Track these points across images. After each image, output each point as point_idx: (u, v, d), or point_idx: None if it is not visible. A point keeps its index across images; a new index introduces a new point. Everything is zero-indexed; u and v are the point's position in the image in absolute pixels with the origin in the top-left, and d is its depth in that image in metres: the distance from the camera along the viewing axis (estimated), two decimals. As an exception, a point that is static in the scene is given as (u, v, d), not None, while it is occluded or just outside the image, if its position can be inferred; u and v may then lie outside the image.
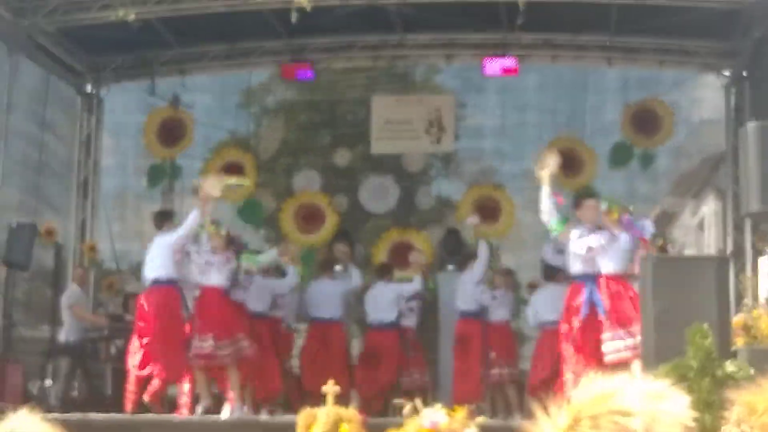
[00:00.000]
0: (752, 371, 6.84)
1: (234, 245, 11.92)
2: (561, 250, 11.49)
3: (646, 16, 14.08)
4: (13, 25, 13.92)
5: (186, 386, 11.81)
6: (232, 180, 12.62)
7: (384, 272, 14.33)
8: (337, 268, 14.21)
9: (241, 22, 14.69)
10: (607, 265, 10.50)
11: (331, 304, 13.64)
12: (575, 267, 10.72)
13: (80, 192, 16.70)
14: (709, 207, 17.18)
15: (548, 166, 10.77)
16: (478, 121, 17.35)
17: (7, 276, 13.55)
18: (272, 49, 16.32)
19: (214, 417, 11.29)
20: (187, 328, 11.57)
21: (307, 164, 17.64)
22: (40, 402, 11.82)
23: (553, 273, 12.87)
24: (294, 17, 12.63)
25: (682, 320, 7.63)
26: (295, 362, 14.16)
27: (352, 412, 8.19)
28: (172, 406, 12.10)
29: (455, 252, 15.42)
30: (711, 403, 6.56)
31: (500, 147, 17.22)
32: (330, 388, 8.41)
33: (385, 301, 13.73)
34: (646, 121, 15.96)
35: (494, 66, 15.76)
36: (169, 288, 11.62)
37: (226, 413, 11.33)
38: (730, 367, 7.06)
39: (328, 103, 18.17)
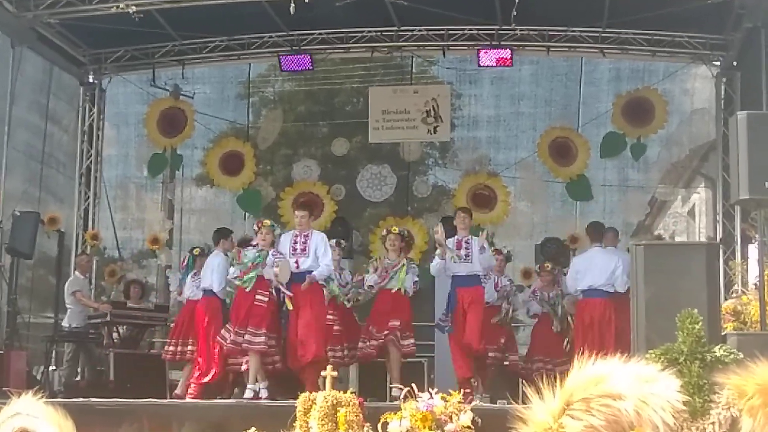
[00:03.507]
0: (741, 356, 6.92)
1: None
2: None
3: (638, 8, 14.22)
4: (16, 17, 14.04)
5: None
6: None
7: None
8: None
9: (240, 15, 14.80)
10: None
11: None
12: None
13: (83, 181, 16.81)
14: (700, 195, 17.22)
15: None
16: (474, 111, 17.45)
17: (11, 264, 13.61)
18: (271, 41, 16.42)
19: (214, 400, 11.52)
20: None
21: (306, 154, 17.86)
22: (44, 387, 11.97)
23: None
24: (292, 9, 12.70)
25: (672, 306, 7.70)
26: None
27: (350, 396, 8.07)
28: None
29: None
30: (701, 387, 6.70)
31: (495, 136, 17.35)
32: (328, 372, 8.44)
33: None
34: (638, 110, 16.09)
35: (489, 57, 15.96)
36: None
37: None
38: (719, 351, 7.11)
39: (326, 94, 18.31)
